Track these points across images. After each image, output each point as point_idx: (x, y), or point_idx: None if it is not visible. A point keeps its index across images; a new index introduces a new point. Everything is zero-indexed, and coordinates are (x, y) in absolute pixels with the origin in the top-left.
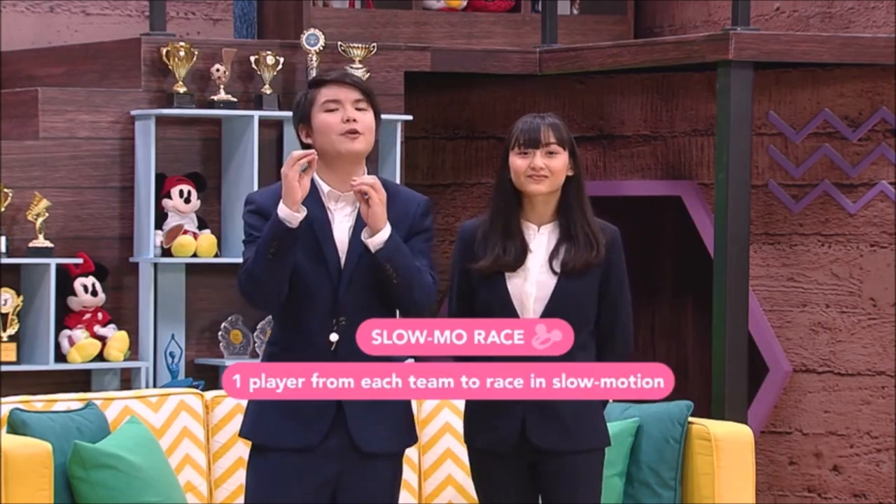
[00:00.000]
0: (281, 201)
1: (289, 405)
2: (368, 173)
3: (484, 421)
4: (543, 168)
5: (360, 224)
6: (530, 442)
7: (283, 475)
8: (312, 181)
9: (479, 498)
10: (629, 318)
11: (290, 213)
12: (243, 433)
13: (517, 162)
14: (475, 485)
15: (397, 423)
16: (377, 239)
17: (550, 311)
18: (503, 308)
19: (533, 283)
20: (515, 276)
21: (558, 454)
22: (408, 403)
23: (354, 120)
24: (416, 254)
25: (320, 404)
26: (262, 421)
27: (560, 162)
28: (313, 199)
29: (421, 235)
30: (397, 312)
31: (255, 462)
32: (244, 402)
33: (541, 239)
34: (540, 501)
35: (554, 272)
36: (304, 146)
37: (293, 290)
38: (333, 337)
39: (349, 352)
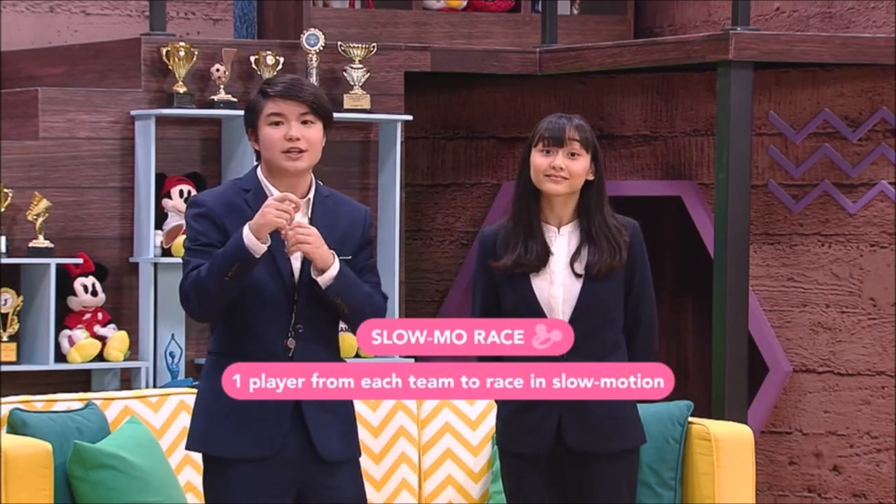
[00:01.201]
0: (248, 228)
1: (240, 413)
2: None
3: (519, 424)
4: (564, 169)
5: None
6: (566, 444)
7: (242, 486)
8: (261, 187)
9: (508, 500)
10: (653, 311)
11: (258, 244)
12: (192, 446)
13: (538, 160)
14: (504, 486)
15: (351, 429)
16: (326, 276)
17: (578, 313)
18: (531, 310)
19: (559, 285)
20: (540, 278)
21: (594, 457)
22: (350, 408)
23: (297, 138)
24: (364, 272)
25: (275, 410)
26: (213, 431)
27: (581, 165)
28: (258, 201)
29: (368, 248)
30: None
31: (212, 475)
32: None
33: (561, 240)
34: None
35: (578, 275)
36: (256, 151)
37: (247, 297)
38: (290, 343)
39: (306, 358)
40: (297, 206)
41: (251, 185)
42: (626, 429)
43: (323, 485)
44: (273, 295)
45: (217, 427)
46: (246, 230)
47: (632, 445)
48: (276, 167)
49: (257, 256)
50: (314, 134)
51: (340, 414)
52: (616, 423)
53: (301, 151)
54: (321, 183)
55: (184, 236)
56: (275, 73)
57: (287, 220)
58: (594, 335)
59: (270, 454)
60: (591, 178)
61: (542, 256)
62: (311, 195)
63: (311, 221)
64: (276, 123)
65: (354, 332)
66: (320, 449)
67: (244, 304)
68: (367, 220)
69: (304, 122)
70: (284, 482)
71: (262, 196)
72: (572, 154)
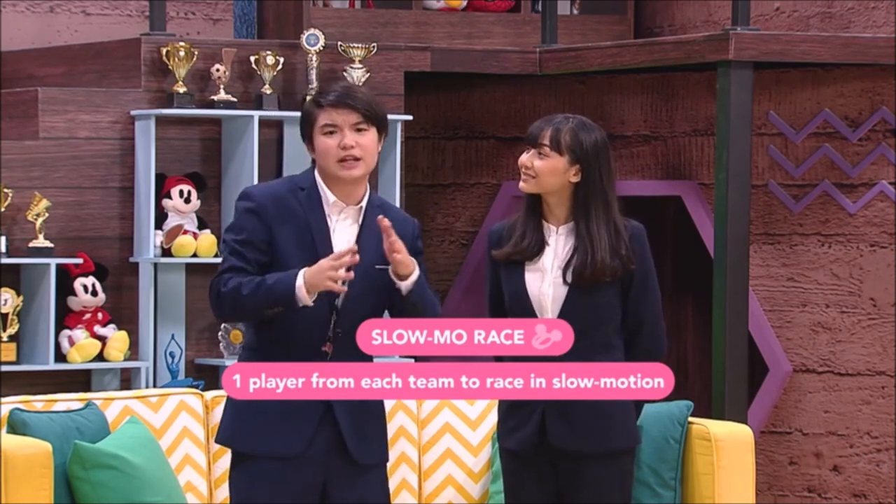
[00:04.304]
0: (302, 280)
1: (270, 410)
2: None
3: (510, 422)
4: (530, 168)
5: (367, 242)
6: (551, 443)
7: (266, 482)
8: (317, 188)
9: (506, 499)
10: (656, 314)
11: (307, 298)
12: (221, 440)
13: (520, 157)
14: (503, 484)
15: (382, 433)
16: (410, 281)
17: (566, 314)
18: (522, 305)
19: (549, 283)
20: (533, 273)
21: (583, 457)
22: (378, 411)
23: (352, 146)
24: None
25: (304, 410)
26: (243, 427)
27: (546, 164)
28: (315, 207)
29: (418, 258)
30: None
31: (239, 471)
32: None
33: (559, 239)
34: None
35: (566, 279)
36: (312, 160)
37: None
38: (328, 348)
39: (343, 359)
40: (354, 260)
41: (307, 183)
42: (616, 430)
43: (350, 486)
44: (314, 303)
45: (247, 423)
46: (300, 281)
47: (623, 447)
48: (332, 176)
49: (302, 305)
50: (368, 141)
51: (373, 416)
52: (604, 423)
53: (356, 160)
54: (374, 192)
55: (184, 236)
56: (275, 73)
57: (340, 280)
58: (583, 335)
59: (297, 454)
60: (574, 180)
61: (537, 247)
62: (363, 203)
63: (362, 229)
64: (331, 133)
65: None
66: (355, 452)
67: (285, 311)
68: (416, 232)
69: (358, 130)
70: (310, 481)
71: (315, 196)
72: (541, 154)
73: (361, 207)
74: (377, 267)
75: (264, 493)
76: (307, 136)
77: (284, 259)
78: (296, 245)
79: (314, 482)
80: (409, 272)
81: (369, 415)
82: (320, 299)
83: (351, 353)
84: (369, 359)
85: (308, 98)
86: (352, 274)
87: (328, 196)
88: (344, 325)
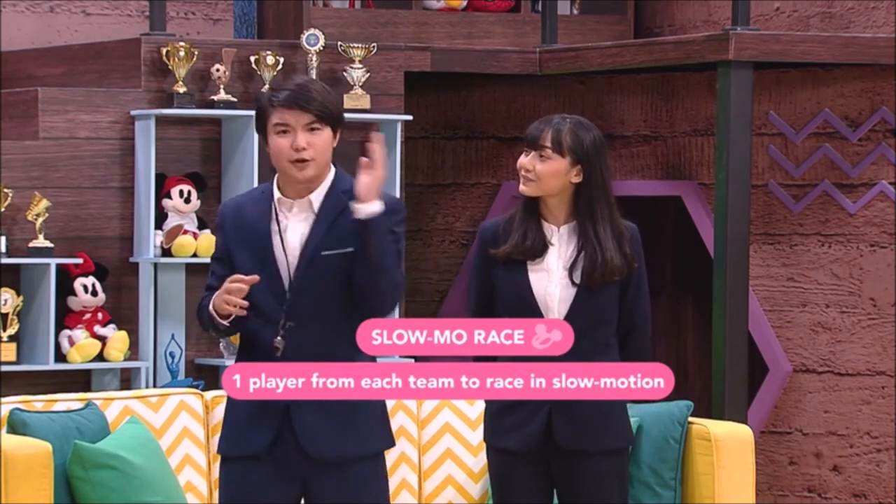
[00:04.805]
0: (216, 304)
1: (237, 412)
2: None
3: (508, 420)
4: (531, 170)
5: (315, 231)
6: (555, 441)
7: (240, 481)
8: (271, 191)
9: (495, 498)
10: (647, 314)
11: (221, 321)
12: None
13: (519, 160)
14: (492, 483)
15: (354, 428)
16: (371, 208)
17: (573, 314)
18: (527, 305)
19: (556, 284)
20: (537, 273)
21: (582, 455)
22: (358, 406)
23: (304, 148)
24: None
25: (266, 411)
26: (224, 432)
27: (549, 167)
28: (264, 210)
29: (389, 236)
30: (357, 314)
31: (221, 470)
32: None
33: (561, 238)
34: (556, 502)
35: (573, 281)
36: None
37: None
38: (278, 342)
39: (298, 356)
40: (242, 290)
41: (267, 188)
42: (615, 429)
43: (329, 485)
44: (262, 295)
45: (228, 428)
46: (210, 308)
47: (621, 446)
48: (284, 175)
49: (227, 324)
50: (321, 141)
51: (337, 413)
52: (606, 422)
53: (307, 161)
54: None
55: (184, 236)
56: (275, 73)
57: (236, 305)
58: (585, 336)
59: (257, 452)
60: (576, 180)
61: (540, 246)
62: (313, 195)
63: (317, 218)
64: (283, 132)
65: (368, 304)
66: (308, 448)
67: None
68: (388, 209)
69: (311, 130)
70: (282, 479)
71: (266, 201)
72: (542, 156)
73: (310, 201)
74: (323, 253)
75: (239, 491)
76: (261, 131)
77: (241, 270)
78: (247, 253)
79: (290, 481)
80: (370, 198)
81: (332, 412)
82: (268, 293)
83: (306, 346)
84: (329, 354)
85: (264, 90)
86: (246, 303)
87: (276, 194)
88: (295, 319)
